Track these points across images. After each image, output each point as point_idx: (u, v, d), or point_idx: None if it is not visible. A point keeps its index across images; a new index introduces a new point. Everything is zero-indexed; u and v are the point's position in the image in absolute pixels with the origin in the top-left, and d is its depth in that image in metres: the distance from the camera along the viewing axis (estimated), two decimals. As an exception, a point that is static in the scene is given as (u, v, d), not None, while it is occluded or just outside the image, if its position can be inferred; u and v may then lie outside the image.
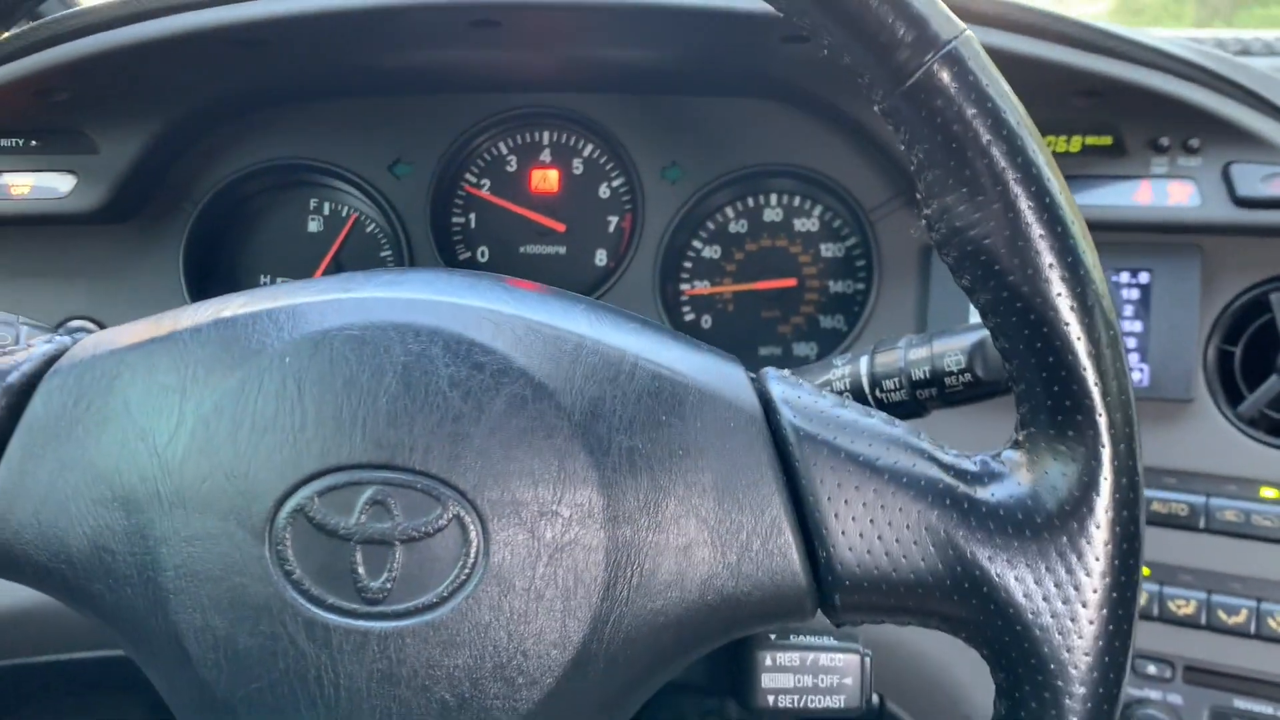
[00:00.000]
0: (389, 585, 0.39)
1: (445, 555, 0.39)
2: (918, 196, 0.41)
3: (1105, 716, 0.40)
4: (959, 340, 0.60)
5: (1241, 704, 0.76)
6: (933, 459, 0.41)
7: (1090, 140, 0.79)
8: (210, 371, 0.40)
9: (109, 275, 0.94)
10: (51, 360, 0.42)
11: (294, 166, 0.96)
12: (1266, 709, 0.75)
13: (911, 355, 0.61)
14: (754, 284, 0.97)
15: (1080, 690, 0.39)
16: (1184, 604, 0.77)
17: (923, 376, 0.60)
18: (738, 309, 0.97)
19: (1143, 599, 0.78)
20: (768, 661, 0.53)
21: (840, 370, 0.63)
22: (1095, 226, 0.78)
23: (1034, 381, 0.40)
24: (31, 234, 0.92)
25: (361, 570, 0.39)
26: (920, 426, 0.77)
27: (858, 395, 0.61)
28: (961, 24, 0.39)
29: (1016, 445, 0.42)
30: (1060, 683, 0.39)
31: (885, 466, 0.41)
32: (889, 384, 0.61)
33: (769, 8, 0.42)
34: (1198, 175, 0.75)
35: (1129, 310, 0.80)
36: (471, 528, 0.39)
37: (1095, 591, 0.39)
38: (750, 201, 0.96)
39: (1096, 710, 0.39)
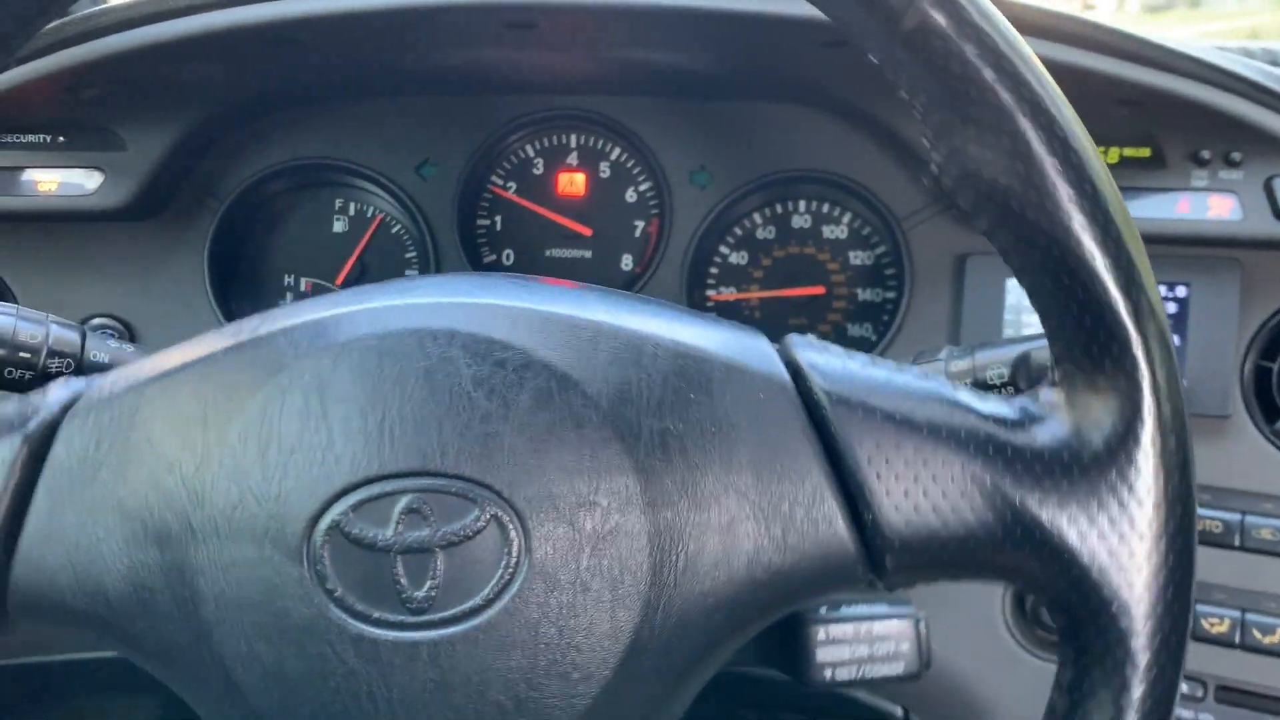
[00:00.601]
0: (433, 593, 0.38)
1: (487, 557, 0.38)
2: (924, 144, 0.41)
3: (1173, 654, 0.39)
4: (1002, 353, 0.59)
5: (1275, 725, 0.75)
6: (970, 409, 0.41)
7: (1129, 152, 0.78)
8: (230, 396, 0.40)
9: (134, 272, 0.93)
10: (69, 404, 0.42)
11: (320, 166, 0.96)
12: (1301, 730, 0.74)
13: (953, 367, 0.60)
14: (781, 290, 0.96)
15: (1144, 627, 0.38)
16: (1217, 622, 0.76)
17: (964, 390, 0.60)
18: (764, 316, 0.96)
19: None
20: (821, 635, 0.52)
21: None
22: (1133, 239, 0.78)
23: (1065, 318, 0.40)
24: (58, 230, 0.91)
25: (404, 581, 0.38)
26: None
27: None
28: None
29: (1053, 385, 0.41)
30: (1125, 622, 0.38)
31: (923, 422, 0.40)
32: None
33: (809, 11, 0.42)
34: (1239, 189, 0.74)
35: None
36: (510, 526, 0.39)
37: (1151, 525, 0.38)
38: (779, 208, 0.96)
39: (1164, 648, 0.39)
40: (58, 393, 0.42)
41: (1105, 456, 0.39)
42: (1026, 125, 0.37)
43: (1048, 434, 0.40)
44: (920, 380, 0.42)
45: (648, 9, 0.71)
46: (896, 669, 0.52)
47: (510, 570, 0.39)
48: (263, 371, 0.40)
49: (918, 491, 0.40)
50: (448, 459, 0.39)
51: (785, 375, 0.42)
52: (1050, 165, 0.38)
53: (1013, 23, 0.74)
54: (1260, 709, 0.75)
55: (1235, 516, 0.76)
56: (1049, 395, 0.41)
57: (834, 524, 0.40)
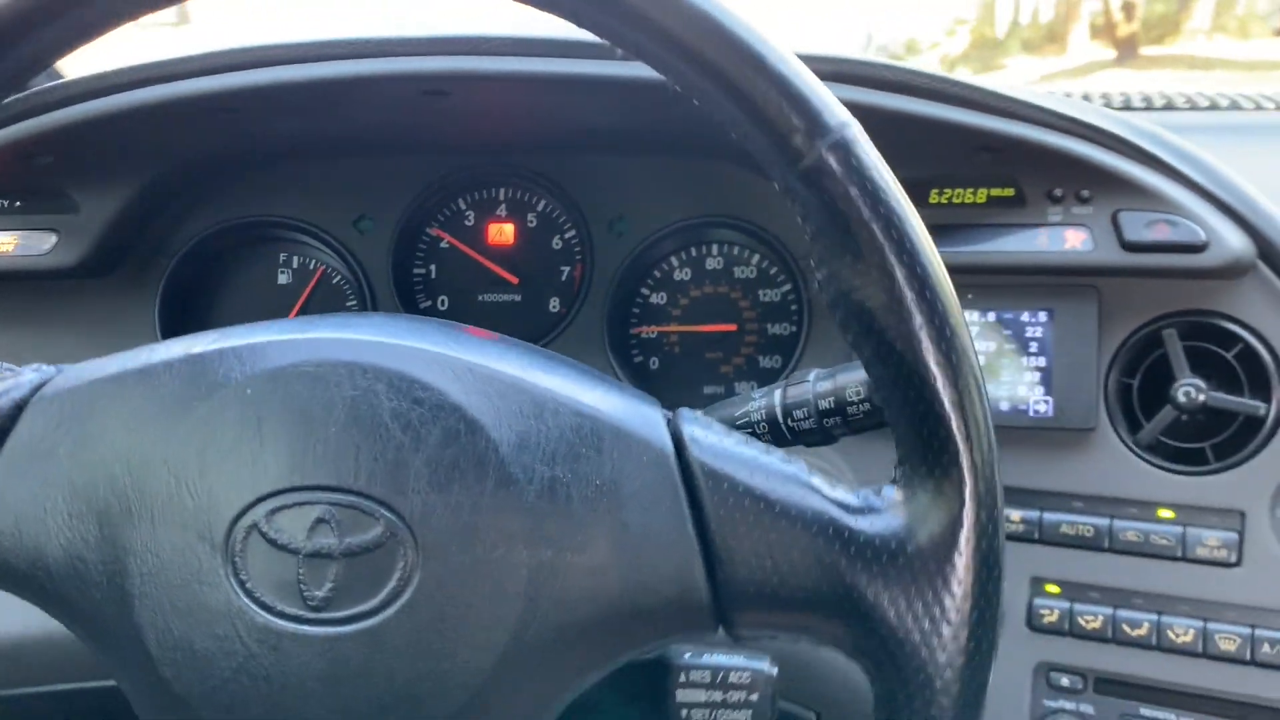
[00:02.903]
0: (331, 594, 0.44)
1: (383, 568, 0.44)
2: (811, 263, 0.47)
3: None
4: (859, 373, 0.66)
5: (1147, 711, 0.81)
6: (819, 493, 0.47)
7: (994, 192, 0.86)
8: (180, 401, 0.46)
9: (88, 327, 0.99)
10: (38, 388, 0.48)
11: (264, 223, 1.02)
12: (1170, 715, 0.80)
13: (818, 388, 0.67)
14: (699, 326, 1.03)
15: (945, 700, 0.44)
16: (1092, 619, 0.82)
17: (829, 406, 0.66)
18: (683, 351, 1.03)
19: (1054, 616, 0.83)
20: (681, 678, 0.57)
21: (757, 403, 0.69)
22: (1000, 270, 0.86)
23: (908, 426, 0.46)
24: (14, 288, 0.97)
25: (307, 580, 0.44)
26: (828, 452, 0.83)
27: (772, 425, 0.67)
28: (848, 115, 0.44)
29: (894, 482, 0.47)
30: (928, 693, 0.44)
31: (778, 499, 0.46)
32: (799, 414, 0.67)
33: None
34: (1090, 222, 0.82)
35: (1034, 347, 0.86)
36: (407, 544, 0.44)
37: (958, 613, 0.44)
38: (694, 251, 1.03)
39: (962, 715, 0.45)
40: (30, 375, 0.48)
41: (928, 549, 0.44)
42: (892, 261, 0.44)
43: (883, 523, 0.46)
44: (783, 464, 0.48)
45: (545, 76, 0.79)
46: (746, 716, 0.57)
47: (403, 582, 0.44)
48: (211, 383, 0.46)
49: (766, 558, 0.46)
50: (359, 479, 0.44)
51: (669, 444, 0.47)
52: (908, 297, 0.44)
53: (885, 83, 0.82)
54: (1134, 697, 0.81)
55: (1104, 521, 0.83)
56: (889, 490, 0.47)
57: (692, 577, 0.46)
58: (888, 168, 0.45)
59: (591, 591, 0.45)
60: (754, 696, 0.57)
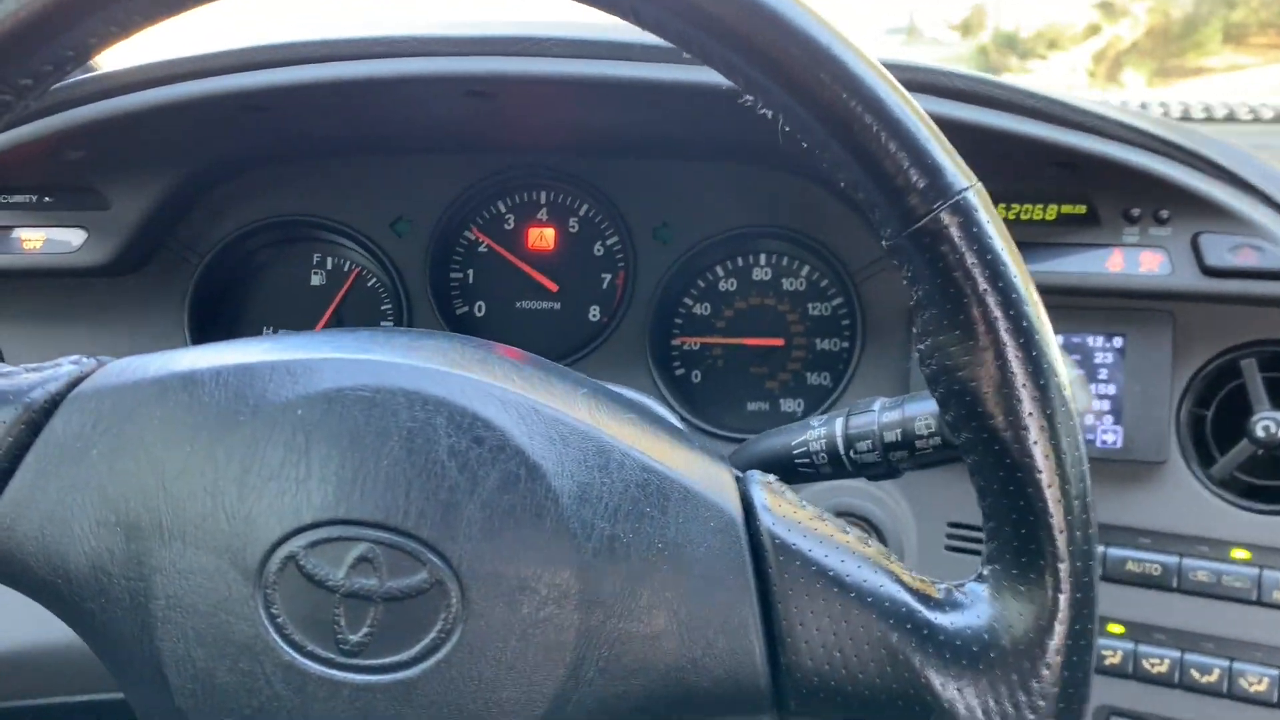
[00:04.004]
0: (367, 640, 0.41)
1: (424, 617, 0.41)
2: (914, 331, 0.43)
3: None
4: (930, 404, 0.62)
5: (1215, 763, 0.77)
6: (899, 581, 0.43)
7: (1066, 209, 0.81)
8: (225, 415, 0.42)
9: (117, 325, 0.97)
10: (75, 382, 0.44)
11: (298, 223, 0.99)
12: (1239, 768, 0.76)
13: (884, 418, 0.63)
14: (743, 339, 0.99)
15: None
16: (1158, 663, 0.78)
17: (895, 439, 0.62)
18: (727, 365, 0.99)
19: (1117, 658, 0.79)
20: None
21: (817, 431, 0.65)
22: (1071, 292, 0.82)
23: (1003, 521, 0.42)
24: (43, 285, 0.95)
25: (343, 622, 0.41)
26: (894, 488, 0.78)
27: (833, 456, 0.64)
28: (972, 177, 0.40)
29: (980, 578, 0.43)
30: None
31: (854, 583, 0.42)
32: (862, 445, 0.63)
33: None
34: (1168, 244, 0.78)
35: (1103, 374, 0.82)
36: (452, 594, 0.41)
37: (1044, 700, 0.40)
38: (740, 261, 0.99)
39: None
40: (69, 367, 0.45)
41: (1013, 657, 0.41)
42: (1006, 340, 0.40)
43: (965, 621, 0.42)
44: (861, 544, 0.44)
45: (600, 80, 0.75)
46: None
47: (443, 635, 0.41)
48: (259, 398, 0.42)
49: (834, 646, 0.42)
50: (409, 519, 0.41)
51: (738, 509, 0.44)
52: (1021, 384, 0.40)
53: (954, 91, 0.78)
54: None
55: (1173, 559, 0.79)
56: (975, 587, 0.43)
57: (751, 658, 0.42)
58: (1009, 237, 0.41)
59: (642, 662, 0.42)
60: None
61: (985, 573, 0.43)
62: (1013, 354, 0.40)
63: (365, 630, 0.41)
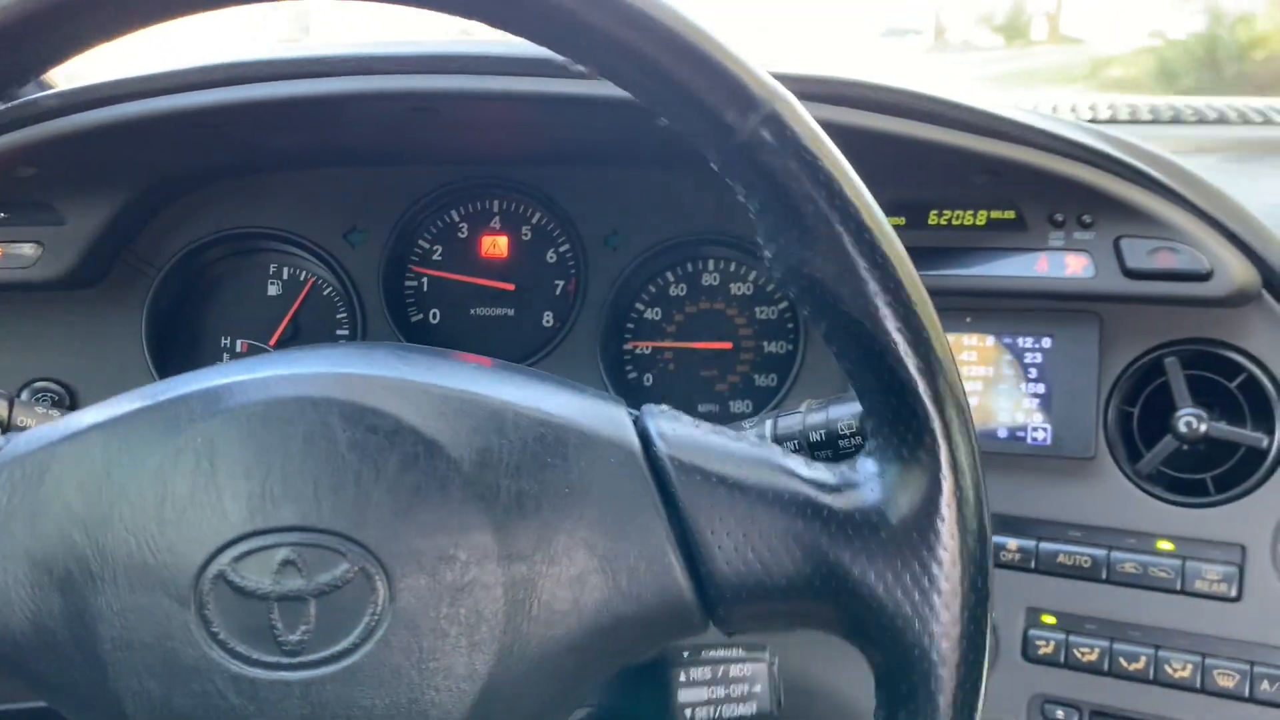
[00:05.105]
0: (306, 637, 0.43)
1: (355, 605, 0.43)
2: (758, 240, 0.46)
3: (971, 694, 0.44)
4: (851, 407, 0.64)
5: (1143, 747, 0.80)
6: (794, 474, 0.46)
7: (995, 214, 0.84)
8: (133, 455, 0.44)
9: (75, 338, 0.98)
10: None
11: (253, 234, 1.01)
12: (1166, 751, 0.79)
13: (809, 420, 0.66)
14: (693, 343, 1.01)
15: (943, 671, 0.43)
16: (1089, 651, 0.81)
17: (819, 439, 0.65)
18: (678, 368, 1.02)
19: (1050, 647, 0.82)
20: (682, 677, 0.56)
21: (748, 433, 0.68)
22: (1000, 294, 0.85)
23: (875, 397, 0.45)
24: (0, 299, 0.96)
25: (280, 625, 0.43)
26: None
27: None
28: (779, 87, 0.43)
29: (868, 453, 0.46)
30: (925, 666, 0.43)
31: (752, 485, 0.45)
32: (789, 446, 0.66)
33: None
34: (1091, 248, 0.81)
35: (1033, 373, 0.85)
36: (377, 578, 0.43)
37: (948, 581, 0.43)
38: (689, 266, 1.01)
39: (962, 688, 0.43)
40: None
41: (910, 520, 0.44)
42: (840, 230, 0.43)
43: (861, 498, 0.45)
44: (754, 448, 0.47)
45: (535, 95, 0.77)
46: (751, 709, 0.56)
47: (376, 617, 0.43)
48: (162, 432, 0.44)
49: (746, 548, 0.45)
50: (322, 516, 0.43)
51: (635, 442, 0.46)
52: (860, 264, 0.43)
53: (883, 105, 0.80)
54: (1130, 732, 0.80)
55: (1102, 552, 0.81)
56: (864, 463, 0.46)
57: (673, 576, 0.45)
58: (826, 135, 0.43)
59: (572, 604, 0.44)
60: (757, 688, 0.56)
61: (870, 447, 0.46)
62: (848, 239, 0.43)
63: (302, 628, 0.43)
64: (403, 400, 0.45)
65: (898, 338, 0.43)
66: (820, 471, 0.46)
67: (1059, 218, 0.81)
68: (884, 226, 0.44)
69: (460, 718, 0.43)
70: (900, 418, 0.44)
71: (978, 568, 0.44)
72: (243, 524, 0.43)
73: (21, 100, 0.85)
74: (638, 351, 1.02)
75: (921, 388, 0.43)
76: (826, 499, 0.45)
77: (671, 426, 0.47)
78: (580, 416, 0.46)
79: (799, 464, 0.46)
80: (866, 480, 0.45)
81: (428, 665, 0.43)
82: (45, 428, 0.47)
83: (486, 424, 0.45)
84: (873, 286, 0.43)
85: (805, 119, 0.43)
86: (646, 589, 0.45)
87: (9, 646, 0.44)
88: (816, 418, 0.65)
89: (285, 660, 0.43)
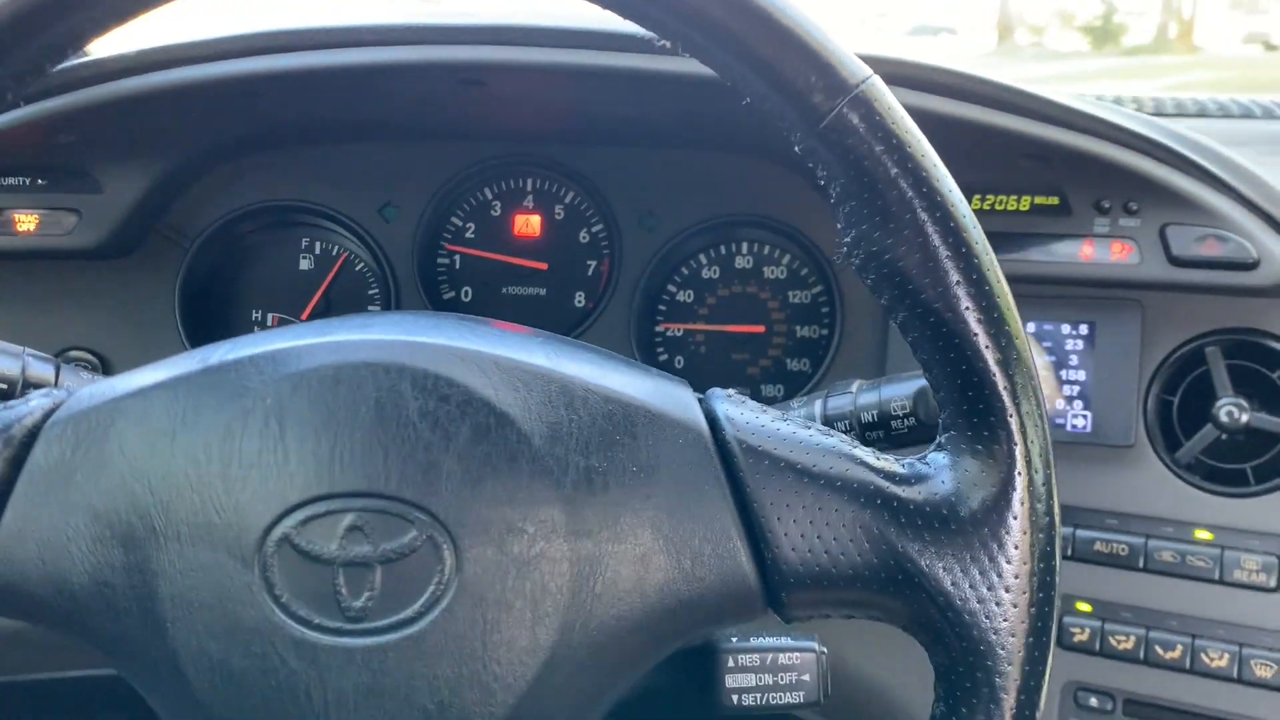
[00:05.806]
0: (370, 603, 0.42)
1: (421, 573, 0.43)
2: (838, 226, 0.45)
3: (1034, 691, 0.43)
4: (904, 387, 0.64)
5: (1177, 736, 0.80)
6: (864, 464, 0.45)
7: (1039, 200, 0.84)
8: (199, 414, 0.44)
9: (109, 308, 0.98)
10: (50, 411, 0.46)
11: (287, 208, 1.01)
12: (1200, 741, 0.79)
13: (861, 400, 0.65)
14: (725, 326, 1.01)
15: (1009, 668, 0.43)
16: (1124, 639, 0.81)
17: (871, 419, 0.65)
18: (709, 350, 1.01)
19: (1085, 635, 0.82)
20: (730, 663, 0.56)
21: (795, 412, 0.67)
22: (1042, 280, 0.84)
23: (951, 389, 0.44)
24: (35, 267, 0.96)
25: (344, 591, 0.42)
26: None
27: None
28: (868, 69, 0.43)
29: (940, 448, 0.46)
30: (990, 662, 0.43)
31: (821, 473, 0.45)
32: (840, 427, 0.66)
33: None
34: (1137, 235, 0.80)
35: (1073, 360, 0.84)
36: (444, 547, 0.43)
37: (1016, 577, 0.43)
38: (723, 249, 1.01)
39: (1026, 685, 0.43)
40: (40, 400, 0.46)
41: (980, 515, 0.43)
42: (924, 217, 0.42)
43: (931, 490, 0.44)
44: (823, 436, 0.47)
45: (589, 69, 0.77)
46: (798, 697, 0.56)
47: (441, 587, 0.43)
48: (229, 393, 0.44)
49: (813, 535, 0.44)
50: (390, 483, 0.43)
51: (703, 424, 0.46)
52: (943, 253, 0.42)
53: (932, 85, 0.80)
54: (1164, 721, 0.80)
55: (1139, 540, 0.81)
56: (935, 456, 0.46)
57: (737, 560, 0.45)
58: (912, 121, 0.43)
59: (636, 582, 0.44)
60: (805, 677, 0.56)
61: (943, 440, 0.46)
62: (931, 229, 0.42)
63: (367, 595, 0.43)
64: (474, 371, 0.45)
65: (978, 330, 0.43)
66: (890, 462, 0.46)
67: (1105, 204, 0.81)
68: (968, 216, 0.43)
69: (521, 690, 0.43)
70: (976, 411, 0.44)
71: (1047, 565, 0.44)
72: (310, 488, 0.43)
73: (61, 66, 0.84)
74: (669, 334, 1.02)
75: (1000, 381, 0.43)
76: (896, 490, 0.45)
77: (739, 411, 0.47)
78: (648, 397, 0.46)
79: (868, 454, 0.46)
80: (938, 472, 0.45)
81: (491, 637, 0.43)
82: (108, 381, 0.46)
83: (557, 399, 0.45)
84: (955, 276, 0.43)
85: (893, 104, 0.43)
86: (710, 572, 0.45)
87: (67, 600, 0.44)
88: (869, 398, 0.65)
89: (348, 626, 0.42)
